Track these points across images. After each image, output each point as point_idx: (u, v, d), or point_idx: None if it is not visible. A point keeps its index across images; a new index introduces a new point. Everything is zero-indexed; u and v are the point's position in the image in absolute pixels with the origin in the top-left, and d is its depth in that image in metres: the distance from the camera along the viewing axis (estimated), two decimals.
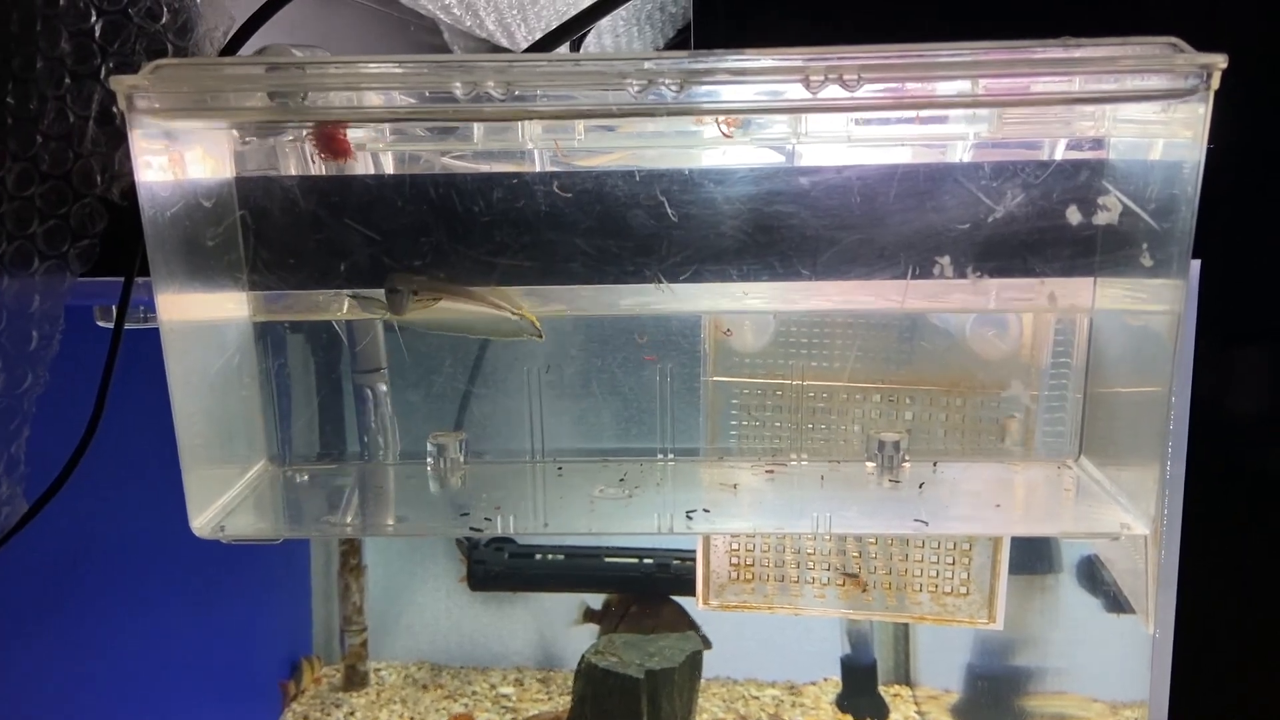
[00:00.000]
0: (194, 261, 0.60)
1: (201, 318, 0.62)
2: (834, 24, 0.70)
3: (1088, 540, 0.93)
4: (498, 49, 1.23)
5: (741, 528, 0.68)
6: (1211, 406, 0.67)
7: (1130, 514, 0.60)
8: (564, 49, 0.85)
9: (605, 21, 1.23)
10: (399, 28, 1.16)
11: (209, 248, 0.61)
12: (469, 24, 1.09)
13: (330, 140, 0.58)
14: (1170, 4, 0.68)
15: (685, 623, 1.52)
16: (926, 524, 0.61)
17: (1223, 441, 0.68)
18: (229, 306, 0.65)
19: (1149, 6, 0.69)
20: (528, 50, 0.75)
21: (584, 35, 0.95)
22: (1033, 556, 1.30)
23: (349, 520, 0.65)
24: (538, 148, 0.68)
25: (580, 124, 0.65)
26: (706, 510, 0.64)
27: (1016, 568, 1.35)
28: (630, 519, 0.63)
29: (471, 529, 0.62)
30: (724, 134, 0.62)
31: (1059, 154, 0.64)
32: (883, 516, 0.64)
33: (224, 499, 0.63)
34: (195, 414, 0.60)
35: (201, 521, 0.60)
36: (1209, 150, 0.64)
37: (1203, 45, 0.52)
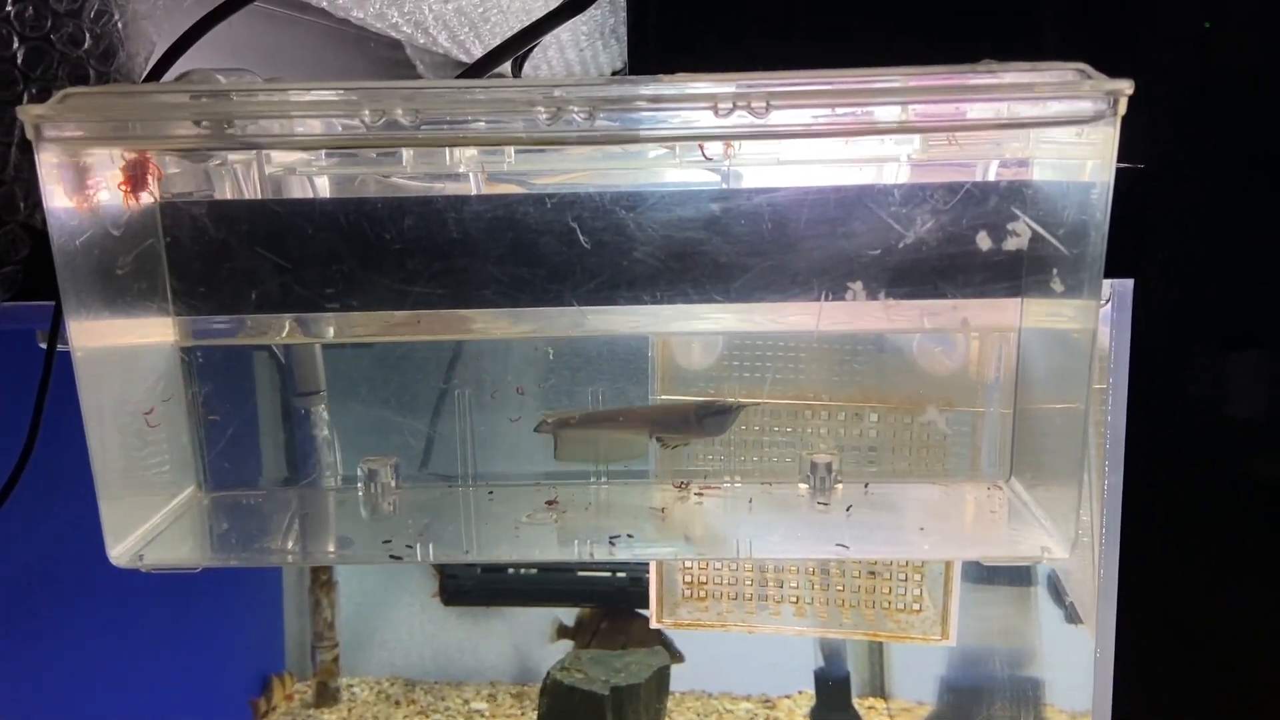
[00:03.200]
0: (110, 289, 0.60)
1: (121, 344, 0.62)
2: (767, 51, 0.70)
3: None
4: (459, 65, 1.23)
5: (664, 553, 0.68)
6: (1150, 419, 0.67)
7: (1052, 537, 0.60)
8: (506, 68, 0.85)
9: (567, 36, 1.23)
10: (358, 45, 1.16)
11: (127, 274, 0.61)
12: (422, 41, 1.09)
13: (136, 173, 0.58)
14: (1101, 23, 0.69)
15: (655, 637, 1.52)
16: (848, 548, 0.61)
17: (1161, 453, 0.68)
18: (153, 332, 0.64)
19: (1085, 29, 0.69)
20: (463, 74, 0.74)
21: (527, 52, 0.95)
22: (1006, 569, 1.30)
23: (275, 547, 0.64)
24: (470, 170, 0.68)
25: (510, 148, 0.65)
26: (630, 536, 0.63)
27: (990, 580, 1.35)
28: (555, 545, 0.63)
29: (392, 556, 0.61)
30: (705, 156, 0.62)
31: (991, 174, 0.64)
32: (806, 541, 0.63)
33: (145, 527, 0.63)
34: (113, 442, 0.59)
35: (120, 550, 0.60)
36: (1140, 169, 0.64)
37: (1127, 69, 0.52)
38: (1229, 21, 0.66)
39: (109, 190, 0.58)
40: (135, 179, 0.58)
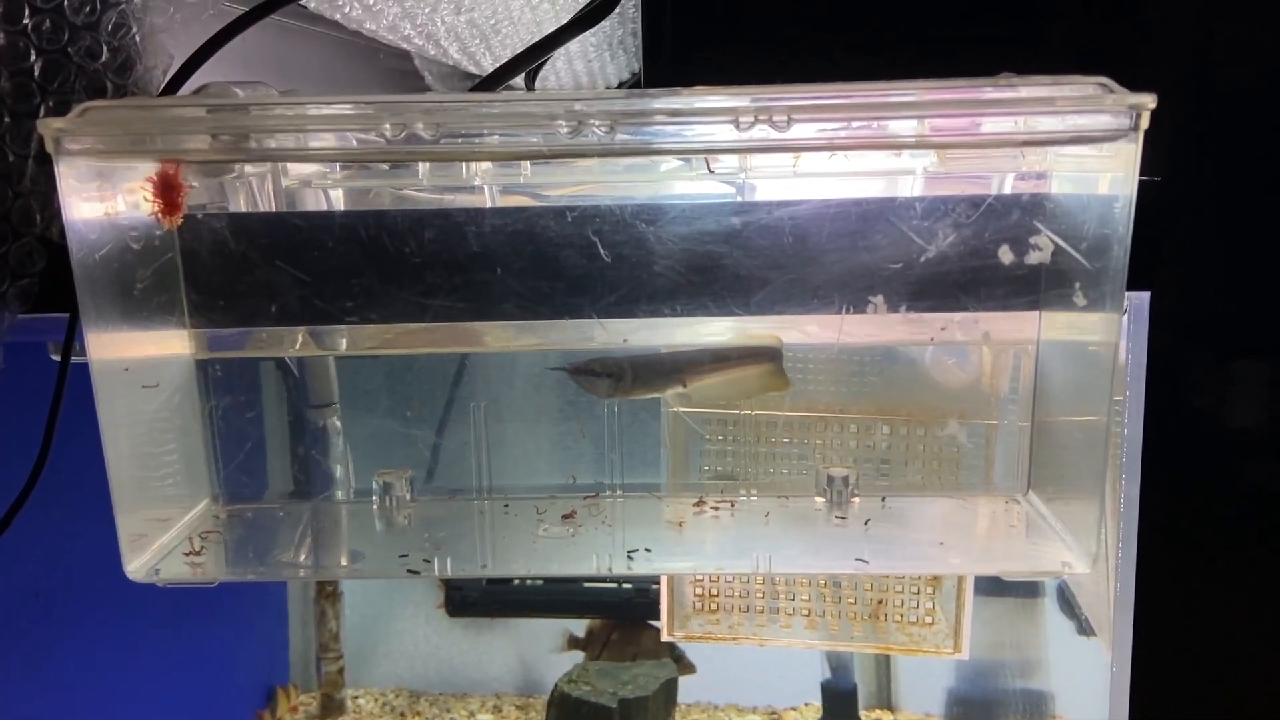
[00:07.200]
0: (128, 301, 0.59)
1: (137, 357, 0.62)
2: (780, 63, 0.70)
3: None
4: (468, 76, 1.23)
5: (682, 568, 0.67)
6: (1167, 431, 0.67)
7: (1073, 551, 0.60)
8: (520, 80, 0.85)
9: (576, 48, 1.23)
10: (367, 56, 1.16)
11: (146, 287, 0.61)
12: (433, 53, 1.09)
13: (167, 190, 0.57)
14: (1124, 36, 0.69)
15: (665, 649, 1.51)
16: (867, 563, 0.61)
17: (1178, 465, 0.68)
18: (169, 345, 0.64)
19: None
20: (476, 86, 0.74)
21: (541, 65, 0.95)
22: (1015, 581, 1.29)
23: (290, 561, 0.64)
24: (485, 183, 0.67)
25: (526, 161, 0.65)
26: (648, 550, 0.63)
27: (998, 592, 1.35)
28: (572, 559, 0.63)
29: (409, 571, 0.61)
30: (710, 170, 0.62)
31: (1008, 186, 0.64)
32: (825, 555, 0.63)
33: (161, 541, 0.62)
34: (129, 455, 0.59)
35: (136, 565, 0.59)
36: (1158, 182, 0.64)
37: (1138, 81, 0.52)
38: (1240, 33, 0.66)
39: (127, 203, 0.58)
40: (167, 198, 0.58)
